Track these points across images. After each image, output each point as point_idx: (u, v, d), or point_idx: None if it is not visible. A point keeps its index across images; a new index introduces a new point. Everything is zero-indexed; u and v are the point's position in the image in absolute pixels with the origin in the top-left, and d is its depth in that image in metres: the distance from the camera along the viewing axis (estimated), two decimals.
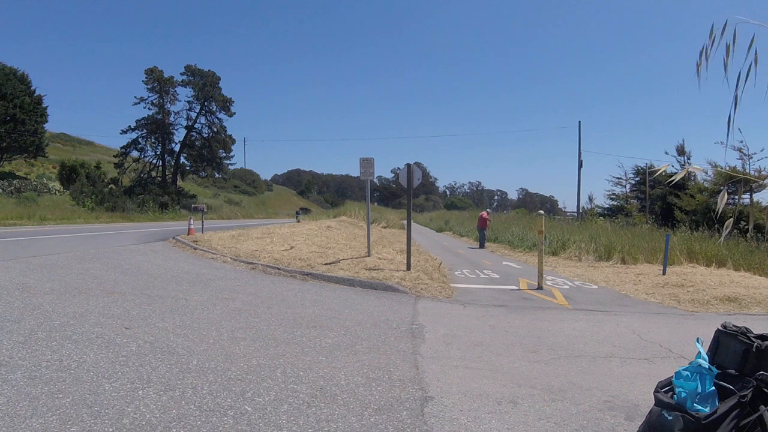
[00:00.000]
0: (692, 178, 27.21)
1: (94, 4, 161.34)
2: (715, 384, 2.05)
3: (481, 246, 18.57)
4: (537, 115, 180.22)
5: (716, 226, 16.02)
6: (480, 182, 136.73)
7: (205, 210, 16.21)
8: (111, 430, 2.36)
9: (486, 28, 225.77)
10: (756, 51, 1.77)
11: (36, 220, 21.10)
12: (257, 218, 41.55)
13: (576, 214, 33.06)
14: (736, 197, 21.37)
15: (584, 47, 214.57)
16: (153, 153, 42.67)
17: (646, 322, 5.86)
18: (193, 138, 44.50)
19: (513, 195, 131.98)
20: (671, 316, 6.40)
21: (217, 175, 47.57)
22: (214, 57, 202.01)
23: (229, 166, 50.54)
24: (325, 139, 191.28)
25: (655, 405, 2.15)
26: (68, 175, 34.88)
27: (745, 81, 1.77)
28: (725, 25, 1.75)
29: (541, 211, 8.95)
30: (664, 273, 9.82)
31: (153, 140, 42.23)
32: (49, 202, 28.12)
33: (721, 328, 2.29)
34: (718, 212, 1.89)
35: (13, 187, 29.43)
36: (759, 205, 20.80)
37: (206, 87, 43.42)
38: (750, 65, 1.77)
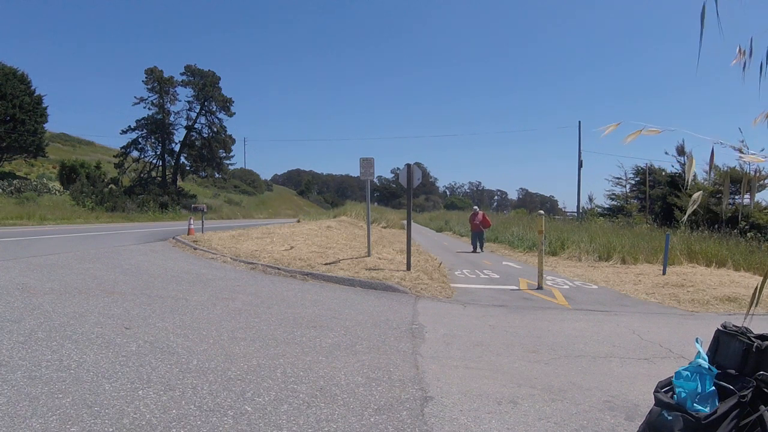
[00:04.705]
0: (692, 177, 27.18)
1: (94, 4, 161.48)
2: (715, 384, 2.05)
3: (475, 249, 16.42)
4: (537, 115, 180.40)
5: (716, 225, 16.02)
6: (480, 182, 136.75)
7: (205, 210, 16.20)
8: (111, 430, 2.36)
9: (486, 29, 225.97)
10: None
11: (36, 220, 21.10)
12: (257, 218, 41.56)
13: (576, 214, 33.05)
14: (736, 197, 21.37)
15: (584, 47, 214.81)
16: (153, 153, 42.68)
17: (646, 322, 5.86)
18: (193, 138, 44.49)
19: (513, 195, 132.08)
20: (671, 316, 6.40)
21: (217, 175, 47.53)
22: (214, 57, 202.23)
23: (229, 166, 50.53)
24: (325, 139, 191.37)
25: (655, 405, 2.15)
26: (68, 175, 34.87)
27: None
28: None
29: (541, 211, 8.94)
30: (664, 273, 9.82)
31: (153, 140, 42.21)
32: (49, 202, 28.10)
33: (721, 328, 2.29)
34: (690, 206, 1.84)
35: (13, 187, 29.42)
36: (759, 205, 20.78)
37: (206, 87, 43.40)
38: None
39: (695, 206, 1.80)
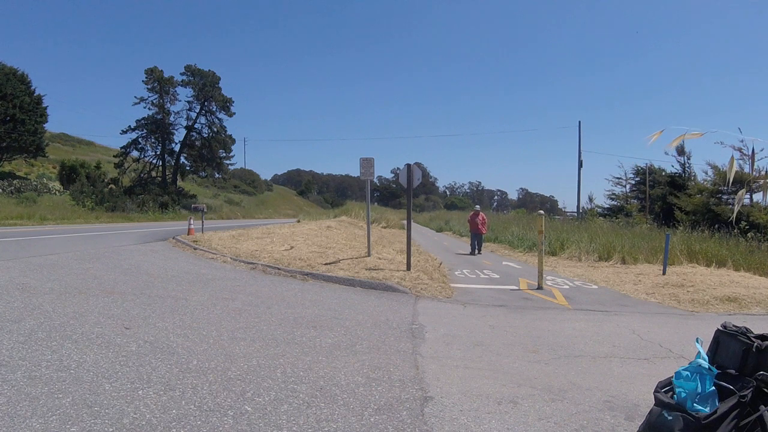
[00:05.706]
0: (692, 178, 27.26)
1: (94, 5, 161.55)
2: (715, 384, 2.05)
3: (473, 251, 15.71)
4: (537, 115, 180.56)
5: (716, 225, 16.03)
6: (480, 182, 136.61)
7: (205, 210, 16.19)
8: (111, 430, 2.36)
9: (486, 29, 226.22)
10: None
11: (36, 220, 21.08)
12: (257, 218, 41.54)
13: (576, 214, 33.05)
14: (734, 197, 21.39)
15: (584, 47, 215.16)
16: (153, 153, 42.62)
17: (646, 322, 5.86)
18: (193, 138, 44.46)
19: (513, 195, 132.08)
20: (671, 316, 6.40)
21: (217, 175, 47.50)
22: (214, 57, 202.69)
23: (229, 166, 50.49)
24: (325, 139, 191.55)
25: (655, 405, 2.15)
26: (68, 175, 34.87)
27: None
28: None
29: (541, 211, 8.94)
30: (664, 273, 9.82)
31: (153, 140, 42.16)
32: (49, 202, 28.08)
33: (721, 328, 2.29)
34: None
35: (13, 187, 29.41)
36: (759, 205, 20.79)
37: (206, 87, 43.37)
38: None
39: (740, 203, 1.82)
